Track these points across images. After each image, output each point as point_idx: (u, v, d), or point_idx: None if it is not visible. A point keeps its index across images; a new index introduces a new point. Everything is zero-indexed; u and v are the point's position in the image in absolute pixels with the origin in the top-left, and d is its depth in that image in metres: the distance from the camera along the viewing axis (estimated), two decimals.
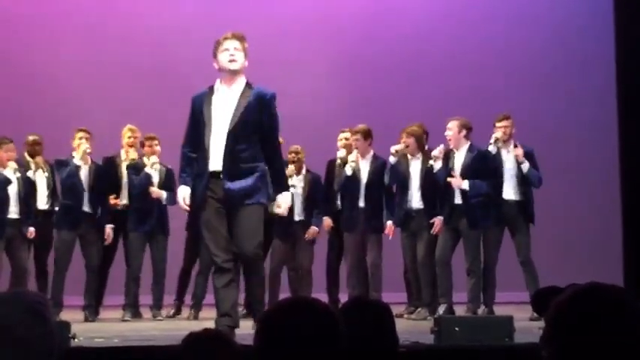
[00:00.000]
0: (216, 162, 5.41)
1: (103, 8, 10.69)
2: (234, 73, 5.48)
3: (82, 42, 10.52)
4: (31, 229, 7.92)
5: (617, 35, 9.91)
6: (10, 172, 7.77)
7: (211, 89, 5.54)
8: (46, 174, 8.21)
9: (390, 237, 8.14)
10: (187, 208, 5.63)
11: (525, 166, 7.74)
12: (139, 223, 8.21)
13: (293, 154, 8.38)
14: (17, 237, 7.85)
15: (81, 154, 7.96)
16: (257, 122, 5.43)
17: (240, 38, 5.51)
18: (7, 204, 7.77)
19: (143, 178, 8.16)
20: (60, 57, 10.47)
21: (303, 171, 8.49)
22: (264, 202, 5.58)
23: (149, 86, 10.43)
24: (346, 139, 8.51)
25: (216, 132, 5.41)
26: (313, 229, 8.45)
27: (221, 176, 5.39)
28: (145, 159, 8.28)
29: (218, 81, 5.56)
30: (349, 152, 8.39)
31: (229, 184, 5.38)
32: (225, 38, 5.49)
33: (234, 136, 5.38)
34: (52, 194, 8.25)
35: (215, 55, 5.53)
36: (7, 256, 7.87)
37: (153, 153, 8.32)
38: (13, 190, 7.82)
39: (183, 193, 5.57)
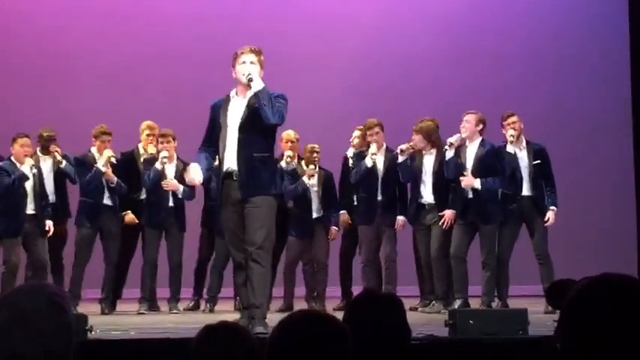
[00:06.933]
0: (230, 163, 5.73)
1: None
2: (247, 85, 5.72)
3: (100, 34, 10.52)
4: (49, 223, 7.93)
5: (632, 26, 9.89)
6: (27, 167, 7.76)
7: (228, 97, 5.84)
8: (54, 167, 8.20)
9: (398, 230, 8.12)
10: (196, 183, 6.04)
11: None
12: (152, 216, 8.24)
13: (314, 154, 8.24)
14: (35, 232, 7.85)
15: (104, 162, 7.96)
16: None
17: (256, 52, 5.78)
18: (25, 200, 7.78)
19: (151, 173, 8.16)
20: (78, 50, 10.47)
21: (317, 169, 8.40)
22: (275, 192, 5.86)
23: (168, 81, 10.41)
24: (358, 137, 8.47)
25: (230, 136, 5.73)
26: (334, 229, 8.38)
27: (234, 177, 5.70)
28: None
29: (234, 90, 5.85)
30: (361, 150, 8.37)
31: (242, 180, 5.68)
32: (243, 52, 5.75)
33: (245, 131, 5.68)
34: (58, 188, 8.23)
35: (233, 66, 5.79)
36: (25, 252, 7.91)
37: (167, 150, 8.33)
38: (28, 186, 7.83)
39: (193, 167, 5.83)
